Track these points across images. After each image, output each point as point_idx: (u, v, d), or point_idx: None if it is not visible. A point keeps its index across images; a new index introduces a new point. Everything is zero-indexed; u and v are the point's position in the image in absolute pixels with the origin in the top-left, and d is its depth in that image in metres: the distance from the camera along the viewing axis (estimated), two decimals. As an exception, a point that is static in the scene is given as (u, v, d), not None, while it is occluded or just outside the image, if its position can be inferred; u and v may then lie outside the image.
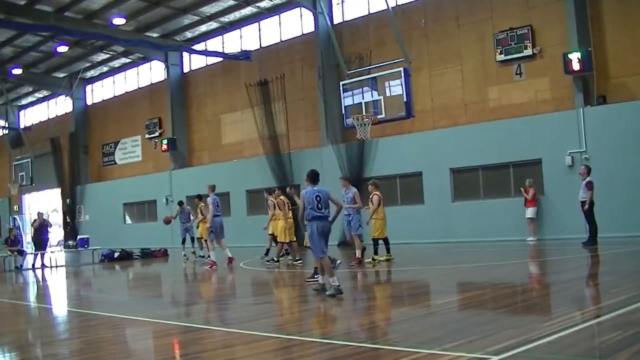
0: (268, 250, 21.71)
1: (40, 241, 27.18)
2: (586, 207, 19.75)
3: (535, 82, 25.03)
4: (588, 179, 20.03)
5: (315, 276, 13.51)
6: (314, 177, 12.52)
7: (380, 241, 19.09)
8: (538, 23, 24.82)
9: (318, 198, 12.17)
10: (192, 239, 26.68)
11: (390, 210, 28.00)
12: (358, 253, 17.48)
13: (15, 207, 51.99)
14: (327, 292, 11.91)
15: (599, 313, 8.94)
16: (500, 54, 25.56)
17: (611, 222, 21.22)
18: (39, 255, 27.04)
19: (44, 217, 28.35)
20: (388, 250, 19.08)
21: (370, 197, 19.16)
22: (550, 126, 23.88)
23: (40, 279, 21.25)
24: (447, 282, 14.11)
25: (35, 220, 28.22)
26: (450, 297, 11.61)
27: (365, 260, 18.36)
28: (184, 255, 26.36)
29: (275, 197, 20.98)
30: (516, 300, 10.94)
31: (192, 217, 26.50)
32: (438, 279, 14.70)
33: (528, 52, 24.86)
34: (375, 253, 18.92)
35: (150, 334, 9.71)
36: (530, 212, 23.49)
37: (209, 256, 20.98)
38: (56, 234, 48.93)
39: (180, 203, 27.39)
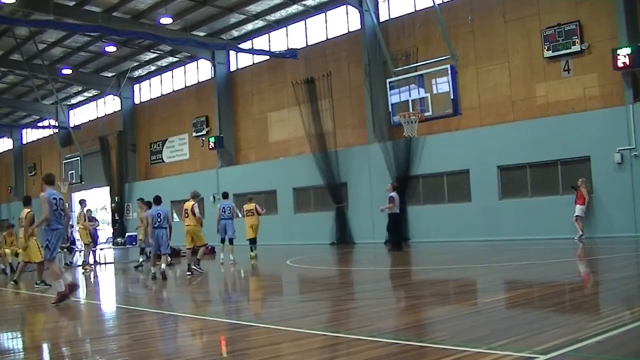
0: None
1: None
2: (388, 219, 22.91)
3: (584, 79, 24.70)
4: (391, 194, 22.54)
5: (194, 266, 19.02)
6: (158, 200, 18.20)
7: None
8: (586, 18, 24.47)
9: (159, 214, 17.73)
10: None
11: (437, 208, 28.19)
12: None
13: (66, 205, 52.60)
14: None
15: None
16: (547, 50, 25.25)
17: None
18: (90, 253, 27.50)
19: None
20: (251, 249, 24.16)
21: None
22: (598, 123, 23.55)
23: (91, 276, 21.53)
24: (493, 280, 14.01)
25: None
26: (497, 295, 11.53)
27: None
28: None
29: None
30: (564, 299, 10.82)
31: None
32: (485, 277, 14.61)
33: (576, 48, 24.51)
34: (251, 250, 24.08)
35: (196, 331, 9.79)
36: (578, 209, 23.05)
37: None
38: (105, 231, 49.58)
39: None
